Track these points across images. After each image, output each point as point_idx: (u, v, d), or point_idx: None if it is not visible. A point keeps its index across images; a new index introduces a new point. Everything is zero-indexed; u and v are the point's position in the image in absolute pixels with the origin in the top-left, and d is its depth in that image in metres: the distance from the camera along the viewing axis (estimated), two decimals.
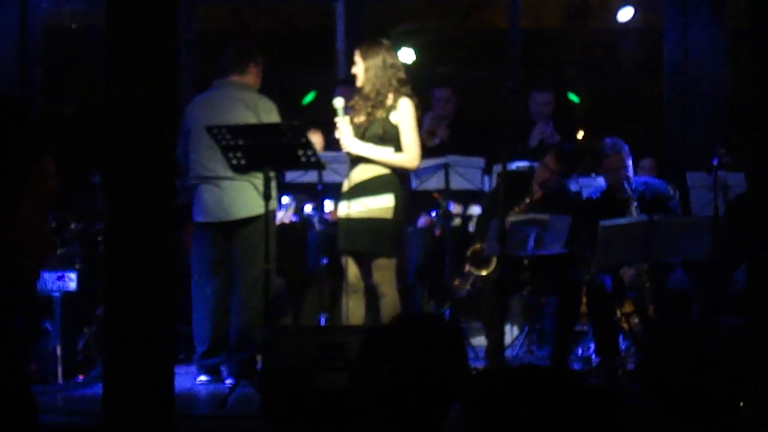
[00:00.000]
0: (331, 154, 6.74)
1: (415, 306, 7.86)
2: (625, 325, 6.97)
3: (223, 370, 6.71)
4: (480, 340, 7.45)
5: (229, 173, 6.41)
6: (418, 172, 7.26)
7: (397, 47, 7.01)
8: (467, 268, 7.18)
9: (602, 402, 1.62)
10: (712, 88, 9.16)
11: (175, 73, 4.45)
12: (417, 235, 7.96)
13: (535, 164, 7.41)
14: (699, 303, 7.54)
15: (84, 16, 9.94)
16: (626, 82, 10.74)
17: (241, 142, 6.14)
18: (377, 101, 6.29)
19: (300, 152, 6.15)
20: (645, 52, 10.18)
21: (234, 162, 6.24)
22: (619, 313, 6.91)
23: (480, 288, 7.09)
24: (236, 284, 6.66)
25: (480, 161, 7.69)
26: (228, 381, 6.56)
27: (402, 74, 6.35)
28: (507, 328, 7.61)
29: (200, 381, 6.70)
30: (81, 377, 6.80)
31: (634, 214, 6.89)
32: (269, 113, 6.61)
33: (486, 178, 7.91)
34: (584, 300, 6.93)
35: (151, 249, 4.27)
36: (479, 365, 6.88)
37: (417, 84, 6.58)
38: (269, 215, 6.34)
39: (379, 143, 6.29)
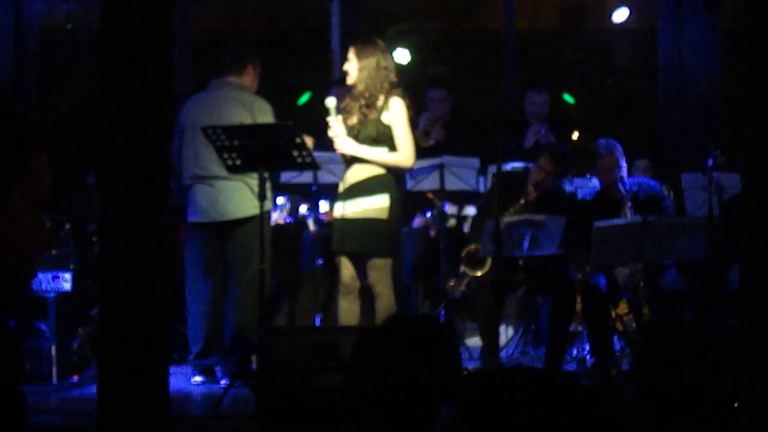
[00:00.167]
0: (326, 154, 6.74)
1: (410, 306, 7.86)
2: (620, 326, 6.98)
3: (218, 370, 6.70)
4: (475, 341, 7.45)
5: (224, 173, 6.41)
6: (413, 172, 7.26)
7: (392, 48, 7.02)
8: (462, 268, 7.19)
9: (596, 403, 1.63)
10: (707, 89, 9.17)
11: (170, 73, 4.45)
12: (412, 236, 7.96)
13: (530, 165, 7.42)
14: (693, 303, 7.56)
15: (79, 16, 9.93)
16: (621, 83, 10.74)
17: (236, 143, 6.14)
18: (369, 102, 6.28)
19: (295, 153, 6.15)
20: (640, 53, 10.18)
21: (229, 162, 6.24)
22: (613, 313, 6.92)
23: (475, 288, 7.10)
24: (231, 285, 6.67)
25: (475, 162, 7.69)
26: (223, 381, 6.55)
27: (394, 77, 6.33)
28: (502, 328, 7.60)
29: (195, 381, 6.70)
30: (76, 378, 6.80)
31: (628, 215, 6.90)
32: (264, 114, 6.61)
33: (481, 179, 7.92)
34: (579, 300, 6.94)
35: (146, 249, 4.27)
36: (474, 366, 6.88)
37: (412, 84, 6.58)
38: (264, 216, 6.34)
39: (372, 145, 6.28)
